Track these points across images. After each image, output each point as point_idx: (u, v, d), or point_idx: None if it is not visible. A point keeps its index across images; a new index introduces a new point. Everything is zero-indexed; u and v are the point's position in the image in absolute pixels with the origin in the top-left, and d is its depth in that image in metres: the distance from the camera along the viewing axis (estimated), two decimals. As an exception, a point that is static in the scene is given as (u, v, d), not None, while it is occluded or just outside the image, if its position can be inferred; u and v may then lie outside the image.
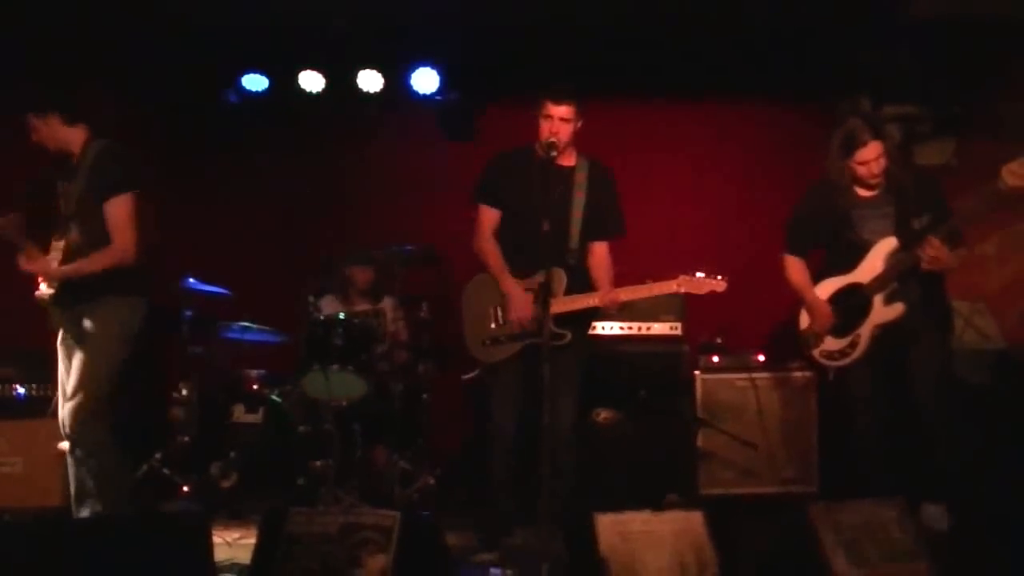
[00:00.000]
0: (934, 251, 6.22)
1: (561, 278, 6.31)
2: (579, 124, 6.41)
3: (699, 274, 6.30)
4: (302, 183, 9.81)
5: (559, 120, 6.29)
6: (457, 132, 9.76)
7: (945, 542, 5.99)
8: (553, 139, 6.23)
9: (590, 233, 6.53)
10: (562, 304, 6.30)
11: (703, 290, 6.31)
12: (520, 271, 6.44)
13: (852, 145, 6.44)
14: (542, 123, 6.33)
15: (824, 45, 8.89)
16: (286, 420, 8.11)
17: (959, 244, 6.38)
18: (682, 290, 6.31)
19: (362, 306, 8.60)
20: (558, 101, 6.30)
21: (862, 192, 6.58)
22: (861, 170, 6.46)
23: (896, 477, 6.47)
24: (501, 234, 6.59)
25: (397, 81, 9.39)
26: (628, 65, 9.12)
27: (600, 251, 6.60)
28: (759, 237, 7.94)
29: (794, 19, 8.59)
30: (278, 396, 8.23)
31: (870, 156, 6.41)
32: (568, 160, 6.47)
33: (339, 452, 7.73)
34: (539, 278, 6.06)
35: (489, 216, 6.59)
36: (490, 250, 6.54)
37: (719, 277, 6.33)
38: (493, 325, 6.48)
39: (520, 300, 6.33)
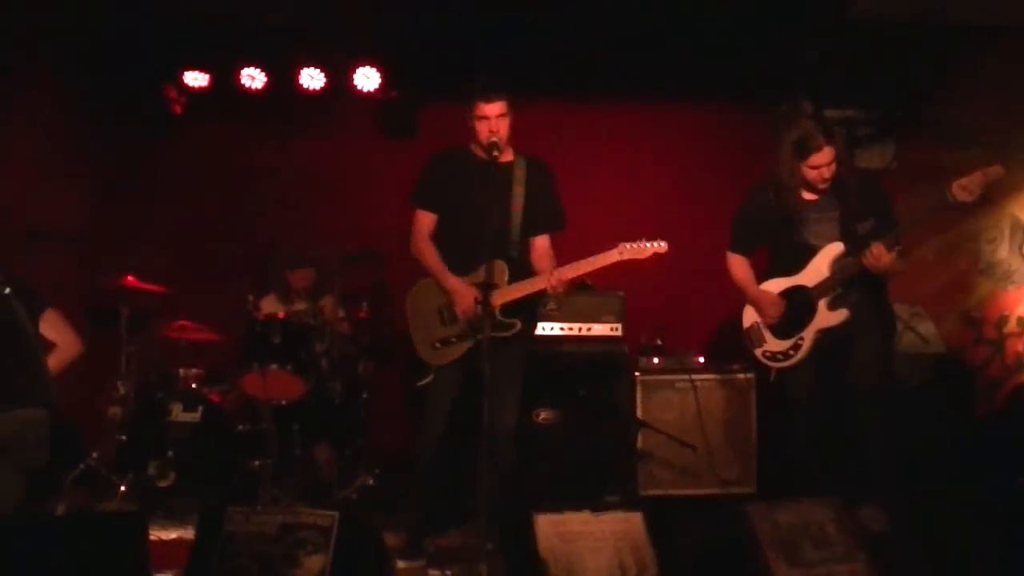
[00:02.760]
0: (876, 257, 6.25)
1: (503, 269, 6.22)
2: (512, 116, 6.30)
3: (638, 241, 6.24)
4: (244, 181, 9.74)
5: (496, 118, 6.19)
6: (399, 130, 9.72)
7: (882, 542, 6.01)
8: (494, 138, 6.15)
9: (530, 228, 6.46)
10: (506, 293, 6.23)
11: (645, 254, 6.22)
12: (461, 270, 6.34)
13: (807, 149, 6.42)
14: (478, 125, 6.23)
15: (764, 46, 8.91)
16: (224, 419, 8.06)
17: (900, 253, 6.43)
18: (625, 257, 6.21)
19: (302, 305, 8.57)
20: (489, 99, 6.19)
21: (807, 195, 6.59)
22: (812, 174, 6.46)
23: (834, 477, 6.49)
24: (439, 236, 6.48)
25: (339, 79, 9.36)
26: (569, 65, 9.10)
27: (542, 244, 6.52)
28: (699, 239, 7.92)
29: (734, 19, 8.61)
30: (216, 395, 8.17)
31: (823, 161, 6.41)
32: (506, 156, 6.37)
33: (278, 451, 7.71)
34: (482, 272, 6.03)
35: (426, 220, 6.47)
36: (428, 252, 6.42)
37: (659, 241, 6.26)
38: (442, 326, 6.37)
39: (465, 294, 6.24)
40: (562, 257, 6.51)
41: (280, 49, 9.17)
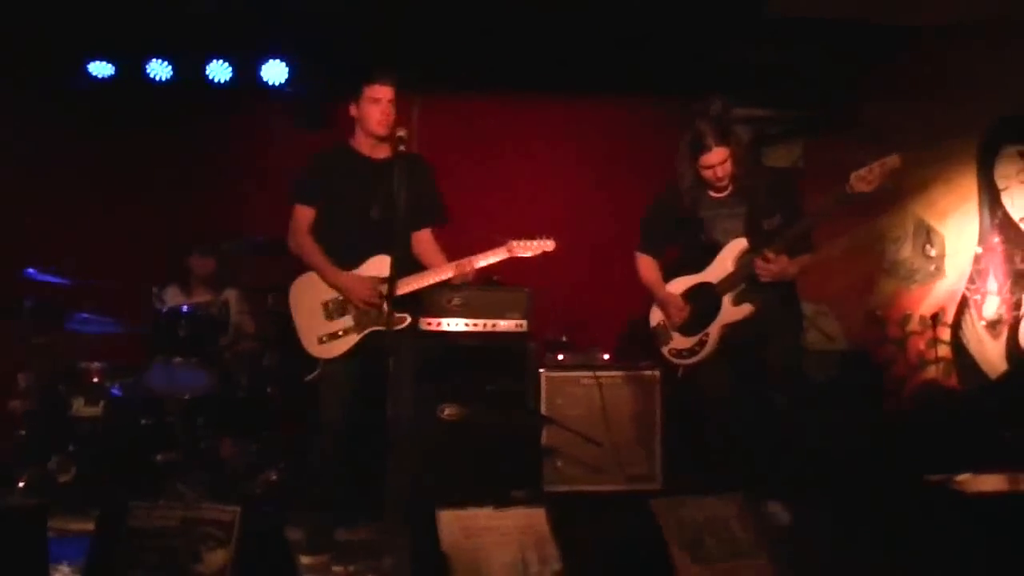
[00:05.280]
0: (770, 263, 6.34)
1: (386, 264, 6.19)
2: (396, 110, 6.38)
3: (526, 239, 6.41)
4: (151, 172, 9.64)
5: (387, 102, 6.27)
6: (310, 124, 9.65)
7: (786, 538, 6.05)
8: (385, 126, 6.25)
9: (412, 223, 6.43)
10: (404, 284, 6.20)
11: (534, 251, 6.41)
12: (342, 266, 6.36)
13: (698, 149, 6.51)
14: (370, 109, 6.28)
15: (680, 41, 8.95)
16: (128, 413, 7.97)
17: (805, 250, 6.51)
18: (514, 254, 6.38)
19: (204, 297, 8.52)
20: (385, 82, 6.26)
21: (713, 194, 6.66)
22: (707, 173, 6.54)
23: (741, 473, 6.53)
24: (319, 232, 6.47)
25: (247, 72, 9.29)
26: (482, 59, 9.07)
27: (426, 237, 6.57)
28: (609, 236, 7.97)
29: (651, 15, 8.63)
30: (120, 388, 8.08)
31: (714, 161, 6.48)
32: (385, 152, 6.40)
33: (182, 445, 7.65)
34: (365, 268, 6.15)
35: (306, 215, 6.48)
36: (310, 247, 6.43)
37: (546, 240, 6.43)
38: (327, 320, 6.37)
39: (359, 284, 6.26)
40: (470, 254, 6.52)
41: (188, 40, 9.08)
